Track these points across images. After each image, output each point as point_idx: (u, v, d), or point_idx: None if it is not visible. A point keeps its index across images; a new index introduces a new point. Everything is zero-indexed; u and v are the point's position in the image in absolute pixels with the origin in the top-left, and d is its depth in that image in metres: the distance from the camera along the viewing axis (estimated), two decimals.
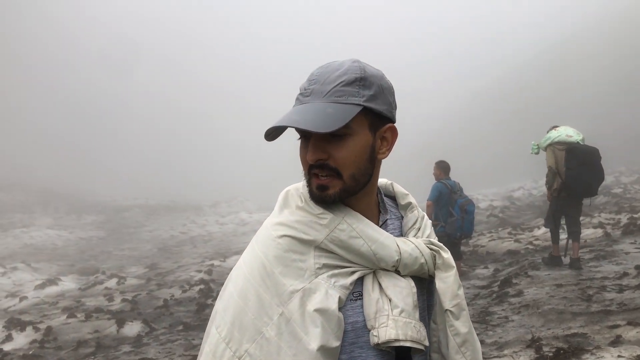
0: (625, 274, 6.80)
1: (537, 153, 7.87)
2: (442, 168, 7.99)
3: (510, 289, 7.03)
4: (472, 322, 4.84)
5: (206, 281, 11.25)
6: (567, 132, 7.41)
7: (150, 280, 12.55)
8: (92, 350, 7.29)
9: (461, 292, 1.27)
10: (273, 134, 1.15)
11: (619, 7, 55.18)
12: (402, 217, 1.33)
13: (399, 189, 1.37)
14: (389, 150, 1.22)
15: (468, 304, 6.78)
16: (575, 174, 7.11)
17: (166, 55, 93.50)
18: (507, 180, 31.10)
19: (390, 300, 1.15)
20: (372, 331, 1.13)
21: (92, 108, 71.15)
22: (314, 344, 1.07)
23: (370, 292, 1.16)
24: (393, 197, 1.37)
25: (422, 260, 1.22)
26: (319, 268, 1.14)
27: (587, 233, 10.18)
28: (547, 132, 7.78)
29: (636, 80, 40.52)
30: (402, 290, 1.18)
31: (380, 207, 1.30)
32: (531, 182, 26.16)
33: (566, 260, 7.90)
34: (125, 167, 55.88)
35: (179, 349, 6.75)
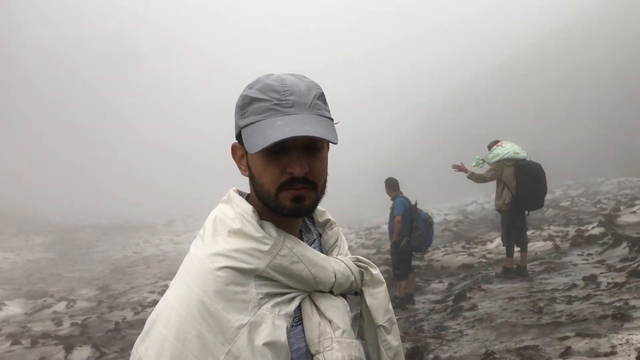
0: (573, 285, 6.98)
1: (481, 167, 8.11)
2: (391, 185, 8.06)
3: (465, 303, 7.11)
4: (428, 337, 4.83)
5: None
6: (514, 149, 7.73)
7: (101, 302, 12.18)
8: None
9: (391, 306, 1.26)
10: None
11: (563, 24, 57.45)
12: (320, 235, 1.30)
13: None
14: None
15: (423, 319, 6.84)
16: (526, 189, 7.52)
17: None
18: (460, 194, 31.69)
19: (330, 322, 1.12)
20: (317, 356, 1.09)
21: (40, 124, 69.25)
22: None
23: (311, 316, 1.12)
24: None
25: (352, 279, 1.19)
26: (261, 298, 1.06)
27: (537, 246, 10.43)
28: (489, 147, 8.05)
29: (580, 97, 42.16)
30: (340, 311, 1.15)
31: (302, 226, 1.25)
32: (484, 196, 26.72)
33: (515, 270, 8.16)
34: (76, 186, 54.44)
35: None
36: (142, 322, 6.49)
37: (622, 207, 12.38)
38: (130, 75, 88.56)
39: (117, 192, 53.81)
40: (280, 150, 1.07)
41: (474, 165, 8.12)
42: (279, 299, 1.08)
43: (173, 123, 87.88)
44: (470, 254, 11.34)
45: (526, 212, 7.95)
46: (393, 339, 1.23)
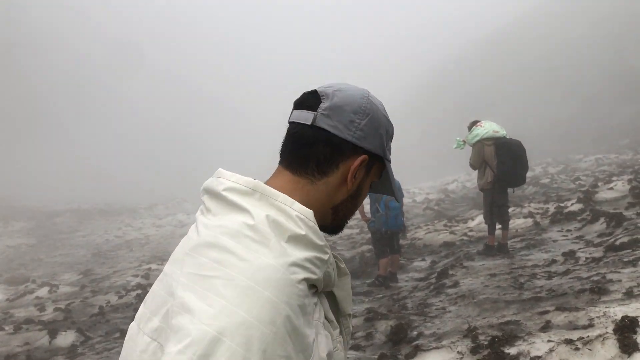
0: (553, 261, 7.11)
1: (462, 148, 8.21)
2: None
3: (447, 280, 7.22)
4: (411, 314, 4.88)
5: (143, 286, 10.97)
6: (493, 128, 7.82)
7: (84, 287, 12.13)
8: None
9: None
10: None
11: (540, 7, 57.64)
12: None
13: None
14: None
15: (407, 296, 6.94)
16: (507, 166, 7.63)
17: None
18: (441, 173, 31.97)
19: (331, 322, 1.07)
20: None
21: (20, 109, 68.11)
22: None
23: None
24: None
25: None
26: (312, 307, 0.98)
27: (517, 223, 10.58)
28: (469, 128, 8.14)
29: (558, 76, 42.51)
30: (330, 308, 1.09)
31: None
32: (465, 175, 26.98)
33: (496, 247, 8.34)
34: (56, 170, 53.77)
35: (116, 357, 6.55)
36: (126, 306, 6.43)
37: (599, 184, 12.59)
38: (130, 74, 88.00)
39: (95, 177, 53.26)
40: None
41: (455, 147, 8.21)
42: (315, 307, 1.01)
43: (157, 113, 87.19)
44: (452, 232, 11.47)
45: (511, 190, 8.10)
46: (351, 324, 1.21)
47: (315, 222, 0.99)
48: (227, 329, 0.84)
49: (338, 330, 1.08)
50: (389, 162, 1.14)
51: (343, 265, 1.14)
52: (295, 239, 0.95)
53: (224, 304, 0.86)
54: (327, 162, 1.05)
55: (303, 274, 0.93)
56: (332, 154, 1.05)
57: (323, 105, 1.05)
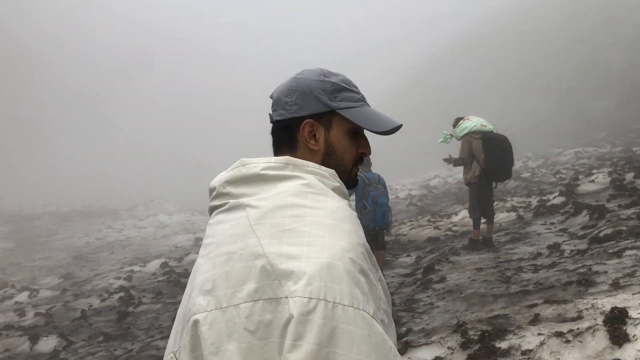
0: (539, 254, 7.14)
1: (448, 142, 8.22)
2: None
3: (434, 276, 7.21)
4: (399, 310, 4.83)
5: (126, 288, 10.81)
6: (481, 122, 7.85)
7: (65, 290, 11.91)
8: None
9: None
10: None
11: (516, 4, 58.21)
12: None
13: None
14: None
15: (394, 293, 6.91)
16: (494, 160, 7.69)
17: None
18: (422, 169, 32.08)
19: None
20: None
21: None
22: None
23: None
24: None
25: None
26: None
27: (501, 217, 10.64)
28: (455, 123, 8.15)
29: (535, 72, 42.93)
30: None
31: None
32: (446, 170, 27.10)
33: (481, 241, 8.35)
34: (30, 174, 52.91)
35: None
36: (109, 309, 6.30)
37: (580, 177, 12.71)
38: (119, 77, 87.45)
39: (72, 179, 52.51)
40: (356, 134, 1.31)
41: (441, 141, 8.20)
42: None
43: (140, 116, 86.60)
44: (436, 227, 11.49)
45: (494, 185, 8.13)
46: None
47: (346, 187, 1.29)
48: (335, 256, 1.00)
49: None
50: (350, 107, 1.28)
51: None
52: (336, 190, 1.21)
53: (322, 240, 1.03)
54: (290, 140, 1.28)
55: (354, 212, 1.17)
56: (288, 133, 1.28)
57: (271, 104, 1.32)
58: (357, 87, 1.33)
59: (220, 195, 1.20)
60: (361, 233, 1.10)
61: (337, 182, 1.22)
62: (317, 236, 1.03)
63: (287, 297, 0.95)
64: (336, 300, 0.94)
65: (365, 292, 0.99)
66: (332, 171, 1.24)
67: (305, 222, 1.06)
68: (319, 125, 1.26)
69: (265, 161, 1.20)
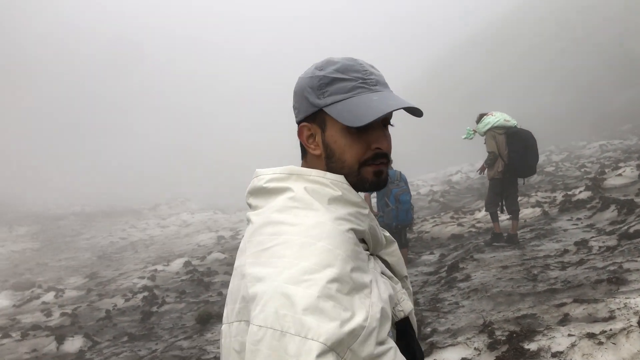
0: (566, 251, 6.99)
1: (471, 138, 8.12)
2: None
3: (458, 274, 7.10)
4: (423, 310, 4.74)
5: (150, 287, 10.87)
6: (504, 117, 7.70)
7: (90, 290, 12.04)
8: None
9: None
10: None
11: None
12: None
13: None
14: None
15: (417, 292, 6.82)
16: (518, 156, 7.56)
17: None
18: (443, 164, 31.76)
19: (391, 278, 1.21)
20: (396, 307, 1.16)
21: (18, 113, 68.17)
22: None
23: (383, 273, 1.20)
24: None
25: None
26: (366, 256, 1.12)
27: (526, 213, 10.45)
28: (478, 119, 8.03)
29: (557, 63, 42.26)
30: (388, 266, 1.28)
31: None
32: (467, 165, 26.80)
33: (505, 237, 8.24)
34: (56, 175, 53.72)
35: None
36: (133, 309, 6.36)
37: (607, 170, 12.44)
38: (132, 76, 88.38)
39: (97, 179, 53.20)
40: (363, 128, 1.13)
41: (465, 137, 8.09)
42: (369, 259, 1.15)
43: (159, 114, 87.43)
44: (459, 224, 11.35)
45: (521, 181, 8.04)
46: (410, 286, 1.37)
47: (348, 183, 1.15)
48: (291, 279, 0.95)
49: (399, 284, 1.22)
50: (337, 102, 1.14)
51: (388, 234, 1.33)
52: (335, 200, 1.12)
53: (284, 261, 0.98)
54: (301, 147, 1.24)
55: (349, 225, 1.08)
56: (300, 135, 1.22)
57: None
58: (360, 70, 1.16)
59: (248, 205, 1.21)
60: (340, 251, 1.01)
61: (339, 191, 1.12)
62: (282, 257, 1.00)
63: (251, 322, 0.96)
64: (283, 328, 0.91)
65: (323, 316, 0.92)
66: (338, 177, 1.14)
67: (279, 241, 1.03)
68: (316, 127, 1.19)
69: (272, 172, 1.18)
